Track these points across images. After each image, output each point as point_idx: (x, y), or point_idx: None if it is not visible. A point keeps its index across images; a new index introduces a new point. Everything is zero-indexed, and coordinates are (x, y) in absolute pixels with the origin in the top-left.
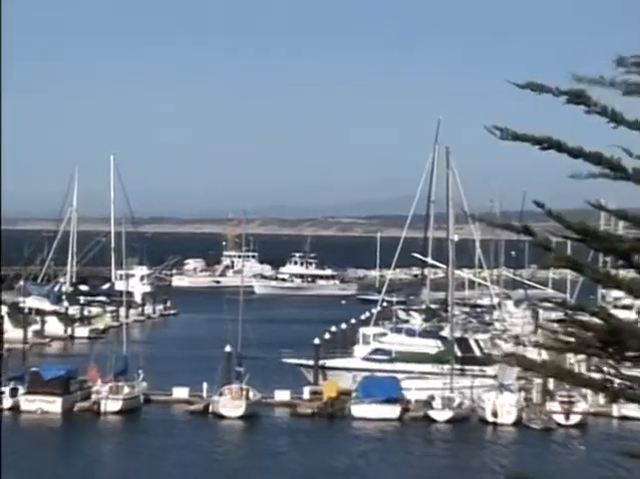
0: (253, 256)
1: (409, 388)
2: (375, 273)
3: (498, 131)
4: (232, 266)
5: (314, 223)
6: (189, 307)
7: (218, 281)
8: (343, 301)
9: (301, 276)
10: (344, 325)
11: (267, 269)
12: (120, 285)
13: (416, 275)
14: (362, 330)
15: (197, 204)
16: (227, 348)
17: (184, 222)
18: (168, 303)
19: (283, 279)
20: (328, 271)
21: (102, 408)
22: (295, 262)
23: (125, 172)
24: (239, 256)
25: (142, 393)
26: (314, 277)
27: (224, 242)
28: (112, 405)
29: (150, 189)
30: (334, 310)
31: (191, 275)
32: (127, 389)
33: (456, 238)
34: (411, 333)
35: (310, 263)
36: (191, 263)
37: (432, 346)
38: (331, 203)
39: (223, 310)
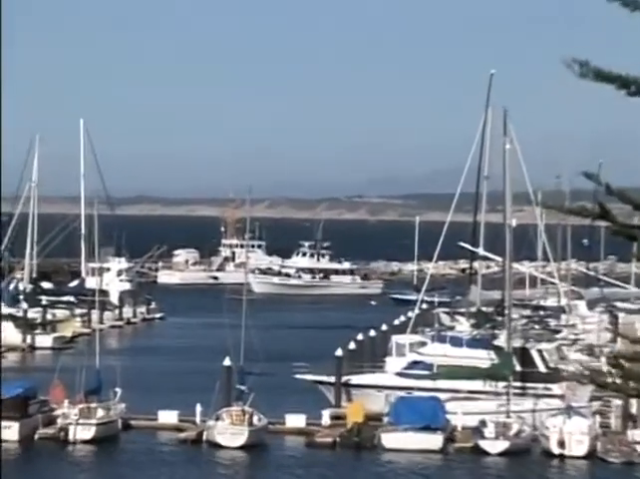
0: (259, 246)
1: (454, 412)
2: (412, 267)
3: (577, 65)
4: (233, 259)
5: (336, 204)
6: (179, 310)
7: (216, 277)
8: (373, 302)
9: (311, 271)
10: (373, 332)
11: (277, 262)
12: (92, 282)
13: (463, 270)
14: (395, 339)
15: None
16: (226, 361)
17: (173, 202)
18: (153, 305)
19: (287, 275)
20: (345, 265)
21: (70, 436)
22: (303, 254)
23: (98, 140)
24: (242, 246)
25: (119, 417)
26: (327, 273)
27: (223, 229)
28: (82, 432)
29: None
30: (359, 313)
31: (182, 270)
32: (100, 412)
33: (514, 222)
34: (457, 343)
35: (322, 255)
36: (182, 255)
37: (483, 359)
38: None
39: (222, 314)
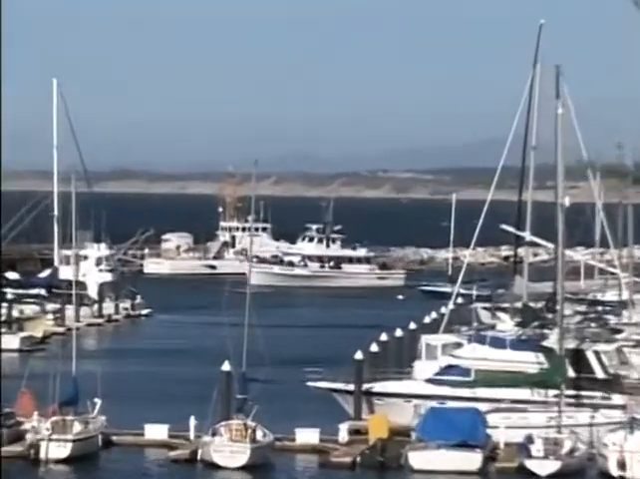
0: (265, 229)
1: (496, 426)
2: (446, 255)
3: None
4: (233, 245)
5: (355, 179)
6: (170, 305)
7: (213, 267)
8: (400, 296)
9: (319, 259)
10: (399, 332)
11: (285, 248)
12: (66, 273)
13: (506, 258)
14: (426, 339)
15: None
16: (225, 366)
17: (162, 178)
18: (138, 299)
19: (290, 264)
20: (361, 252)
21: (41, 454)
22: (310, 239)
23: (74, 103)
24: (244, 230)
25: (99, 432)
26: (339, 261)
27: (221, 209)
28: (56, 450)
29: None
30: (381, 309)
31: (173, 257)
32: (77, 427)
33: (567, 201)
34: (499, 344)
35: (333, 240)
36: (173, 240)
37: (530, 363)
38: (381, 150)
39: (220, 310)
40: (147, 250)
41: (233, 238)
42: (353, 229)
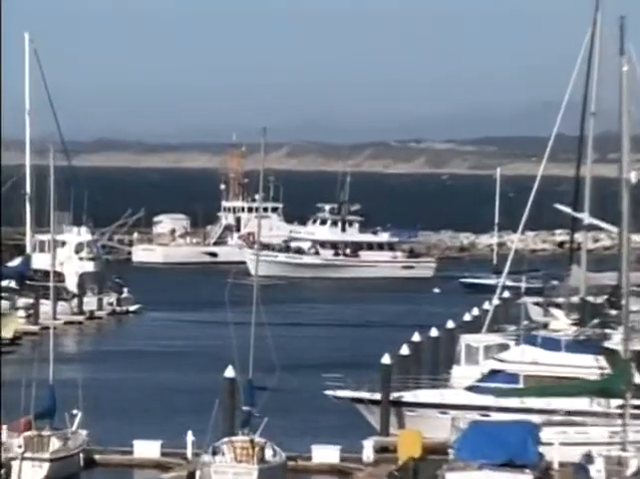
0: (275, 210)
1: (549, 442)
2: (490, 240)
3: None
4: (238, 228)
5: (383, 151)
6: (163, 299)
7: (213, 254)
8: (436, 289)
9: (333, 246)
10: (435, 332)
11: (299, 231)
12: (40, 261)
13: (561, 244)
14: (466, 340)
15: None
16: (229, 372)
17: (154, 149)
18: (126, 292)
19: (299, 251)
20: (382, 237)
21: (13, 476)
22: (322, 221)
23: (50, 63)
24: (250, 210)
25: (81, 450)
26: (356, 248)
27: (224, 186)
28: (31, 471)
29: (95, 93)
30: (412, 305)
31: (166, 243)
32: (55, 443)
33: (633, 177)
34: (553, 345)
35: (350, 223)
36: (167, 222)
37: (590, 368)
38: (414, 117)
39: (221, 305)
40: (135, 235)
41: (238, 220)
42: (378, 209)
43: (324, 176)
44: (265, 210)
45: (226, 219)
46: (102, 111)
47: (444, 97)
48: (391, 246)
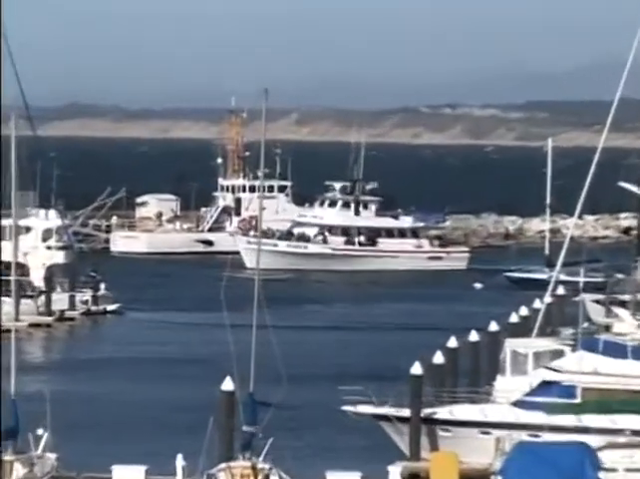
0: (283, 189)
1: (612, 468)
2: (541, 226)
3: None
4: (237, 211)
5: (410, 118)
6: (147, 297)
7: (209, 242)
8: (477, 284)
9: (345, 232)
10: (475, 336)
11: (304, 215)
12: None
13: (627, 230)
14: (512, 345)
15: (164, 79)
16: (227, 384)
17: (136, 116)
18: (103, 289)
19: (303, 238)
20: (405, 221)
21: None
22: (332, 203)
23: (11, 11)
24: (253, 190)
25: (50, 477)
26: (373, 235)
27: (221, 160)
28: None
29: (65, 51)
30: (447, 303)
31: (152, 229)
32: (19, 469)
33: None
34: (617, 352)
35: (365, 204)
36: (152, 204)
37: None
38: (449, 77)
39: (216, 305)
40: (115, 220)
41: (238, 201)
42: (403, 188)
43: (342, 148)
44: (270, 189)
45: (224, 200)
46: (74, 70)
47: (483, 53)
48: (415, 233)
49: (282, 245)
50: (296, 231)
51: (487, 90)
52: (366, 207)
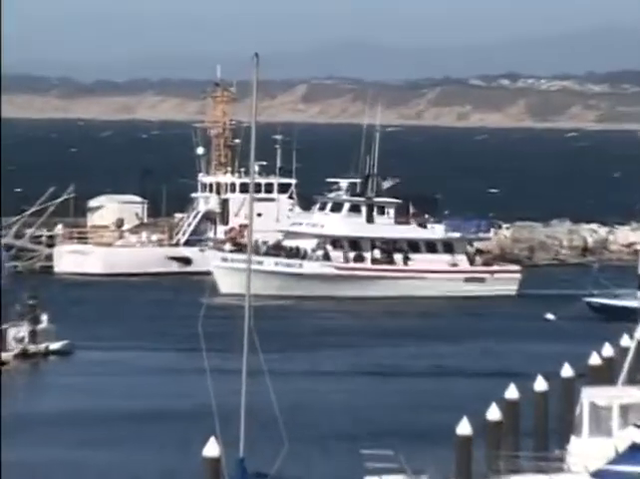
0: (285, 188)
1: None
2: (630, 237)
3: None
4: (224, 218)
5: (453, 91)
6: (102, 333)
7: (185, 260)
8: (549, 315)
9: (353, 246)
10: (541, 384)
11: (299, 222)
12: None
13: None
14: (591, 396)
15: (127, 44)
16: (210, 449)
17: (90, 90)
18: (45, 321)
19: (297, 253)
20: (435, 231)
21: None
22: (336, 206)
23: None
24: (244, 189)
25: None
26: (391, 249)
27: (202, 150)
28: None
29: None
30: (496, 338)
31: (109, 242)
32: None
33: None
34: None
35: (381, 208)
36: (109, 208)
37: None
38: (505, 38)
39: (194, 341)
40: (60, 229)
41: (225, 205)
42: (441, 186)
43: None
44: (269, 188)
45: (206, 203)
46: (13, 37)
47: (552, 7)
48: (448, 247)
49: (269, 263)
50: (288, 243)
51: (557, 56)
52: (382, 212)
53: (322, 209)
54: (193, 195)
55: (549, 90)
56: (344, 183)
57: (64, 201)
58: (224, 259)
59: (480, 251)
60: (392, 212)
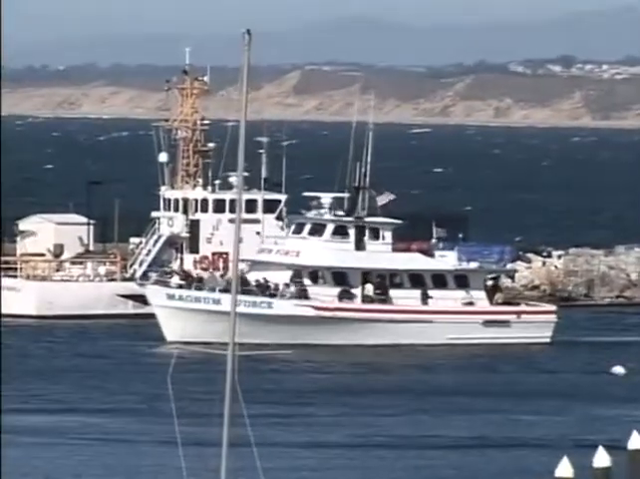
0: (272, 207)
1: None
2: None
3: None
4: (194, 245)
5: (489, 80)
6: (36, 393)
7: (141, 297)
8: (616, 368)
9: (340, 281)
10: (602, 458)
11: (269, 248)
12: None
13: None
14: None
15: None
16: None
17: (19, 79)
18: None
19: (265, 289)
20: (445, 260)
21: None
22: (315, 229)
23: None
24: (217, 208)
25: None
26: (386, 284)
27: (164, 156)
28: None
29: None
30: (538, 400)
31: (45, 275)
32: None
33: None
34: None
35: (374, 231)
36: (44, 231)
37: None
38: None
39: (158, 404)
40: None
41: (194, 227)
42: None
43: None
44: (251, 207)
45: (170, 224)
46: None
47: None
48: (462, 280)
49: (227, 302)
50: (254, 276)
51: (624, 36)
52: (376, 235)
53: (298, 231)
54: (154, 214)
55: (613, 79)
56: (326, 198)
57: None
58: (170, 297)
59: (495, 286)
60: (388, 235)
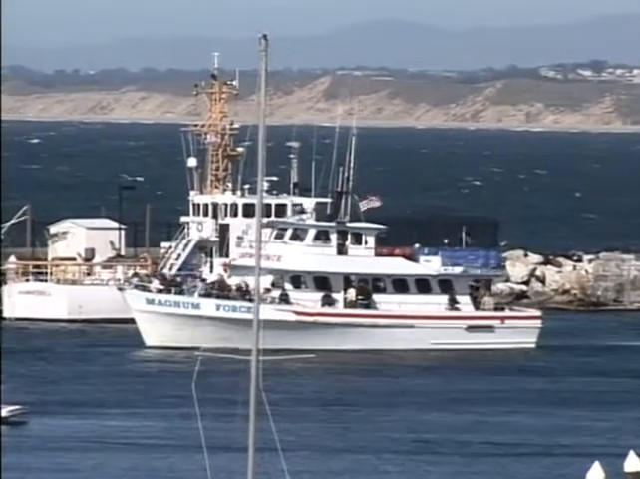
0: (300, 209)
1: None
2: None
3: None
4: (223, 249)
5: (521, 85)
6: (64, 397)
7: None
8: None
9: (322, 286)
10: (635, 462)
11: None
12: None
13: None
14: None
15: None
16: None
17: (50, 83)
18: None
19: (244, 294)
20: (428, 266)
21: None
22: (296, 234)
23: None
24: (247, 212)
25: None
26: (368, 290)
27: (193, 161)
28: None
29: None
30: (532, 415)
31: (74, 280)
32: None
33: None
34: None
35: (356, 236)
36: (76, 235)
37: None
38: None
39: (188, 406)
40: (13, 261)
41: (224, 231)
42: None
43: (403, 138)
44: (280, 210)
45: (200, 228)
46: None
47: None
48: (447, 286)
49: (208, 308)
50: (234, 281)
51: None
52: (359, 240)
53: (279, 236)
54: (184, 218)
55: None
56: (308, 202)
57: (15, 224)
58: (150, 302)
59: (488, 291)
60: (371, 240)
